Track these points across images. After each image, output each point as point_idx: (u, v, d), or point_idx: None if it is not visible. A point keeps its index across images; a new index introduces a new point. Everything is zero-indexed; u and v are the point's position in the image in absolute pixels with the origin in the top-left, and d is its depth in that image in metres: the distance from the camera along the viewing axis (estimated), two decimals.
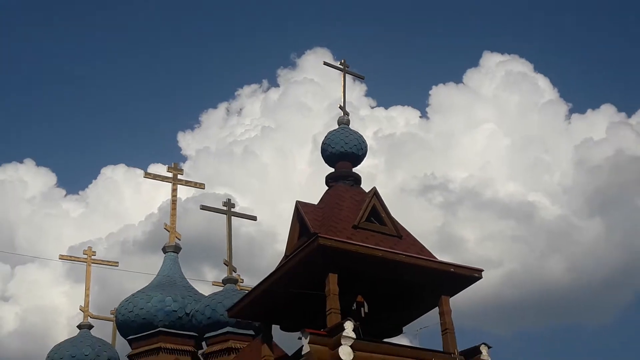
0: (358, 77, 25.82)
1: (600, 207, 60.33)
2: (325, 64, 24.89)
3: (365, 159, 23.48)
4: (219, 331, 27.78)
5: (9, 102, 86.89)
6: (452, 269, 20.52)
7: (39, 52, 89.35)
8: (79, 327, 33.91)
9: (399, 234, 21.16)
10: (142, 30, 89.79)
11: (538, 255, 59.50)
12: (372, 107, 67.78)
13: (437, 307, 20.56)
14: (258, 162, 63.16)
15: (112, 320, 35.79)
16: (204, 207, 30.46)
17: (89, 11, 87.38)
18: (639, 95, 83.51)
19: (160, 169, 39.44)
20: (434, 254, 21.12)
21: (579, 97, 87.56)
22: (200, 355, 30.97)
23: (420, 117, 68.72)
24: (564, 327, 67.99)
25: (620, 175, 58.61)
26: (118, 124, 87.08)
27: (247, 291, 23.85)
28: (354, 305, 19.95)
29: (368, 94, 68.87)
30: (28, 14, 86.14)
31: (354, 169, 23.05)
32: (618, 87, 79.91)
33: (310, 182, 54.49)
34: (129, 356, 32.57)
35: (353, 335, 18.00)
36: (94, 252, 36.29)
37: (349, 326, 18.01)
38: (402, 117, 67.95)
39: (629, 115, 65.92)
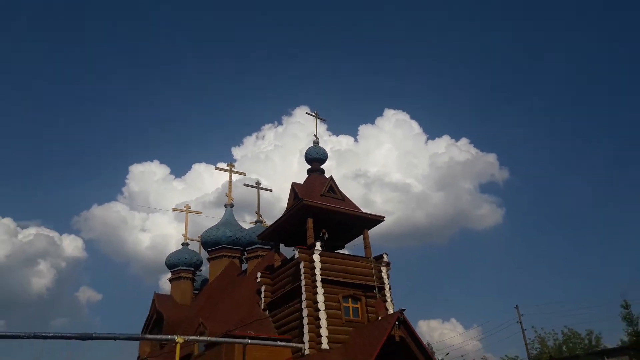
0: (323, 120, 25.74)
1: (442, 186, 65.35)
2: (307, 113, 24.98)
3: (326, 161, 23.77)
4: (253, 247, 28.16)
5: (145, 125, 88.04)
6: (369, 216, 21.34)
7: (156, 96, 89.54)
8: (182, 244, 34.54)
9: (344, 198, 21.73)
10: (218, 96, 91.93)
11: (411, 210, 64.04)
12: (330, 136, 69.57)
13: (362, 235, 21.27)
14: (272, 162, 64.70)
15: (199, 241, 36.07)
16: (245, 185, 30.67)
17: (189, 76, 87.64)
18: (462, 130, 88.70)
19: (223, 165, 38.85)
20: (361, 209, 21.74)
21: (431, 131, 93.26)
22: (244, 259, 31.14)
23: (354, 141, 71.27)
24: (424, 245, 72.37)
25: (452, 170, 63.52)
26: (202, 143, 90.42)
27: (267, 227, 23.97)
28: (321, 234, 20.66)
29: (328, 129, 71.95)
30: (137, 47, 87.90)
31: (321, 166, 23.41)
32: (451, 126, 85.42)
33: (299, 172, 56.56)
34: (207, 259, 32.94)
35: (320, 249, 19.04)
36: (189, 206, 36.54)
37: (318, 245, 19.10)
38: (345, 141, 71.07)
39: (457, 141, 70.42)
